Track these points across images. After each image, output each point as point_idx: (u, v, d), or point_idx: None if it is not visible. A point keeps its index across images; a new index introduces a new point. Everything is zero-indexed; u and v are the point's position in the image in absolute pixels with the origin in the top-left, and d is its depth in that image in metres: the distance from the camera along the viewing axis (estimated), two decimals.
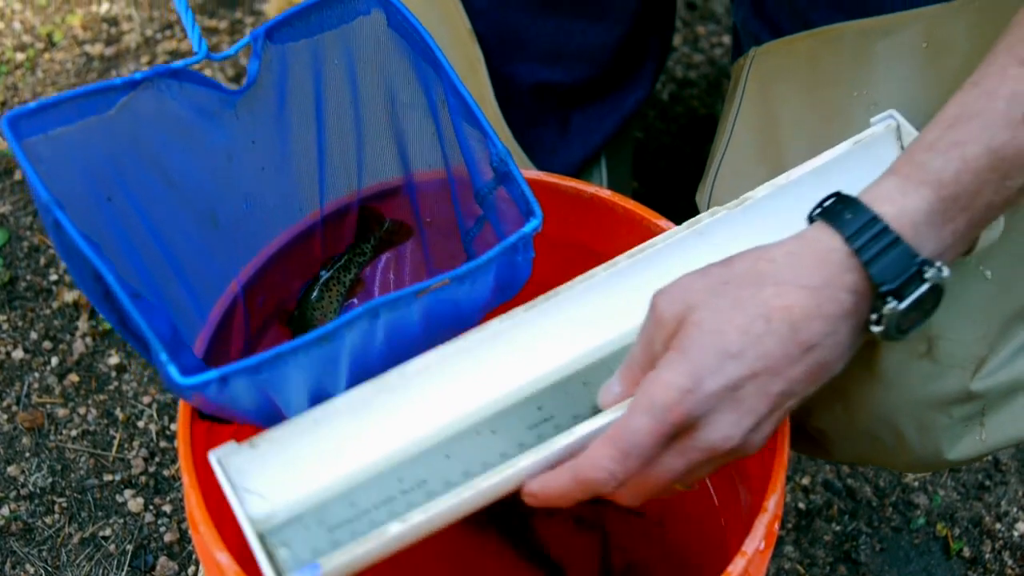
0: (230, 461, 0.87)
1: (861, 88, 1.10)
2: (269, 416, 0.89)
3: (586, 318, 0.95)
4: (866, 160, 0.99)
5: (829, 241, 0.87)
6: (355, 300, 1.10)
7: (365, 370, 0.92)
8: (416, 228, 1.10)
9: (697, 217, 0.97)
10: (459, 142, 0.99)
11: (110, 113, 0.91)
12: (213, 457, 0.86)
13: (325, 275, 1.09)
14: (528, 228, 0.92)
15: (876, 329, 0.88)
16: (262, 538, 0.85)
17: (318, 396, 0.90)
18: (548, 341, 0.94)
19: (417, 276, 1.11)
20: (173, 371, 0.83)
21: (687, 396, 0.84)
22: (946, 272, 0.87)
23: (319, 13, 0.99)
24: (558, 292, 0.95)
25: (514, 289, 0.95)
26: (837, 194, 0.90)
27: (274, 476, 0.87)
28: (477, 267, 0.91)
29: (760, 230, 0.96)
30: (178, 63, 0.94)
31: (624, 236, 1.09)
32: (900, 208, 0.87)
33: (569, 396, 0.92)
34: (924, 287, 0.86)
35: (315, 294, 1.08)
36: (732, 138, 1.19)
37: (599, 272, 0.95)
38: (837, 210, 0.88)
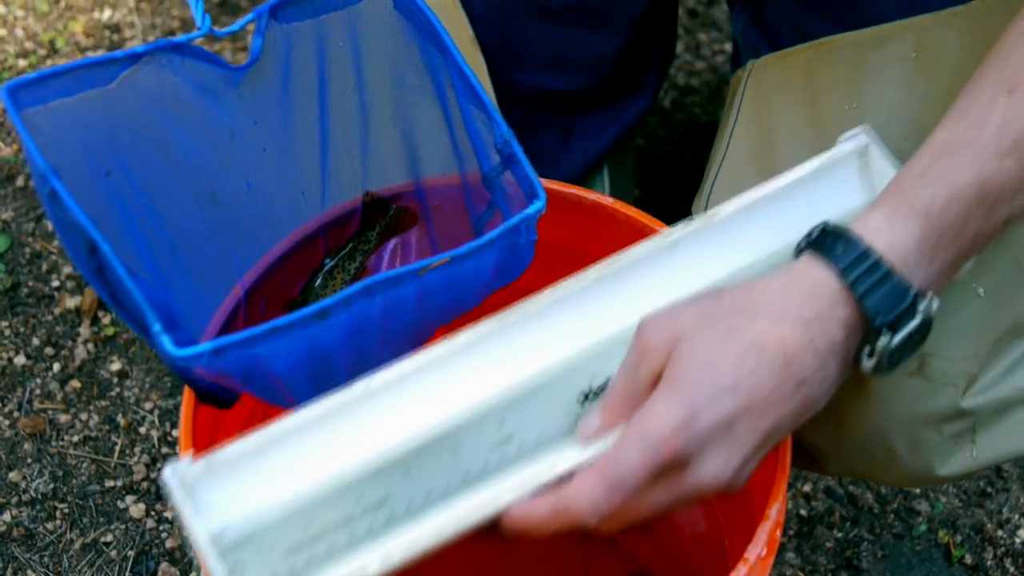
0: (185, 476, 0.83)
1: (852, 101, 1.10)
2: (266, 389, 0.89)
3: (553, 332, 0.92)
4: (831, 179, 0.97)
5: (821, 274, 0.86)
6: None
7: (364, 348, 0.91)
8: (423, 213, 1.09)
9: (670, 229, 0.95)
10: (466, 125, 0.98)
11: (111, 87, 0.90)
12: (168, 471, 0.83)
13: (329, 263, 1.09)
14: (531, 210, 0.91)
15: (868, 363, 0.87)
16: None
17: (315, 373, 0.90)
18: (515, 355, 0.91)
19: None
20: (167, 342, 0.82)
21: (682, 431, 0.82)
22: (936, 304, 0.87)
23: None
24: (527, 304, 0.92)
25: (516, 272, 0.94)
26: (824, 225, 0.89)
27: (229, 492, 0.84)
28: (478, 247, 0.90)
29: (730, 243, 0.95)
30: (181, 37, 0.93)
31: (626, 243, 1.09)
32: (891, 240, 0.86)
33: (531, 413, 0.89)
34: (917, 320, 0.86)
35: (319, 282, 1.08)
36: (728, 152, 1.19)
37: (570, 284, 0.93)
38: (828, 243, 0.87)
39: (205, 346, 0.82)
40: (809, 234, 0.90)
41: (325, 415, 0.87)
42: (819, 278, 0.86)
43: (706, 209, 1.17)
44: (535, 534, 0.85)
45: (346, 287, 1.08)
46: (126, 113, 0.92)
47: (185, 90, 0.95)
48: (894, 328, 0.85)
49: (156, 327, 0.82)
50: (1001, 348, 1.06)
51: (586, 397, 0.91)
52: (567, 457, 0.87)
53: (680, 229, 0.95)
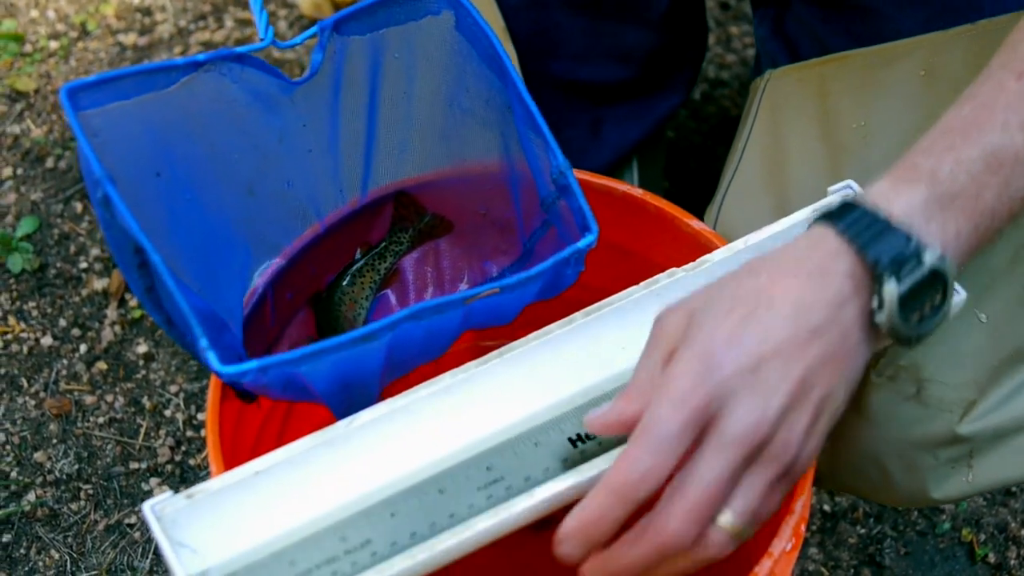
0: (166, 513, 0.83)
1: (861, 119, 1.10)
2: (300, 394, 0.89)
3: (540, 376, 0.92)
4: None
5: (821, 233, 0.84)
6: (389, 291, 1.10)
7: (401, 361, 0.92)
8: (465, 219, 1.09)
9: (655, 277, 0.95)
10: (523, 149, 0.99)
11: (168, 91, 0.91)
12: (147, 508, 0.83)
13: (360, 261, 1.09)
14: (582, 244, 0.92)
15: (880, 319, 0.83)
16: None
17: (350, 383, 0.91)
18: (501, 398, 0.91)
19: (456, 271, 1.11)
20: (213, 358, 0.83)
21: (704, 380, 0.80)
22: (950, 263, 0.83)
23: (387, 9, 0.98)
24: (513, 348, 0.92)
25: (554, 293, 0.95)
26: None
27: (210, 530, 0.84)
28: (527, 278, 0.91)
29: None
30: (243, 48, 0.94)
31: (655, 235, 1.09)
32: (893, 203, 0.84)
33: (519, 456, 0.88)
34: (924, 270, 0.82)
35: (347, 280, 1.08)
36: (741, 163, 1.19)
37: (555, 329, 0.93)
38: (831, 211, 0.86)
39: (251, 364, 0.83)
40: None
41: (309, 453, 0.87)
42: (818, 236, 0.84)
43: (716, 222, 1.17)
44: (598, 532, 0.81)
45: (375, 287, 1.08)
46: (180, 116, 0.93)
47: (241, 96, 0.96)
48: (899, 274, 0.82)
49: (203, 342, 0.83)
50: (1001, 375, 1.06)
51: (576, 441, 0.90)
52: (543, 490, 0.86)
53: (666, 277, 0.95)
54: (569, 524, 0.81)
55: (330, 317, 1.07)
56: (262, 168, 1.00)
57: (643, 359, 0.85)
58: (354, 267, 1.08)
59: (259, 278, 1.04)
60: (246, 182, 1.00)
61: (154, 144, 0.92)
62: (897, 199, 0.84)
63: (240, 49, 0.94)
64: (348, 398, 0.92)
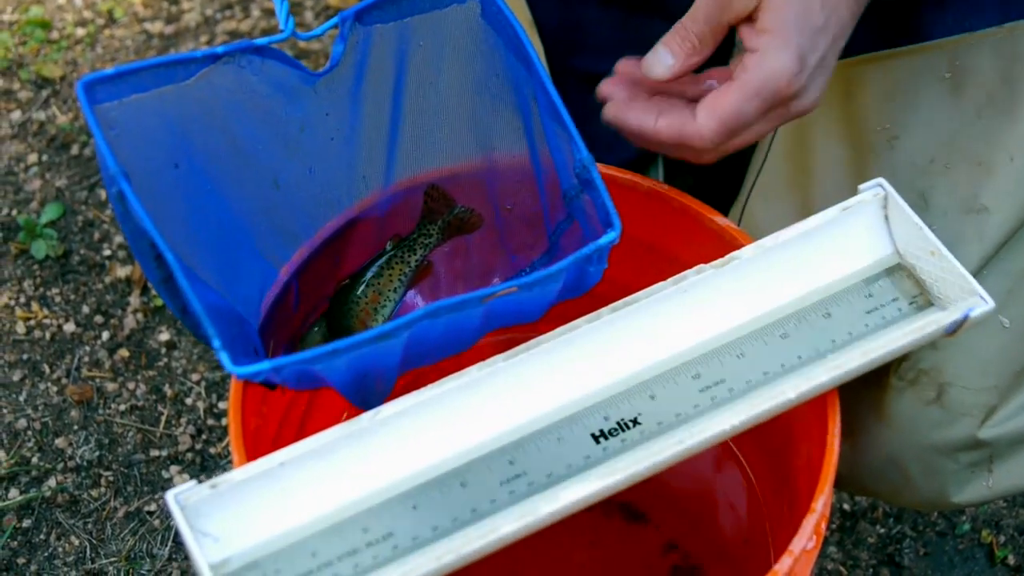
0: (188, 501, 0.83)
1: (885, 121, 1.09)
2: (317, 384, 0.89)
3: (564, 371, 0.92)
4: (851, 227, 0.98)
5: None
6: (415, 292, 1.10)
7: (419, 356, 0.92)
8: (494, 213, 1.09)
9: (682, 274, 0.95)
10: (548, 141, 0.98)
11: (187, 83, 0.91)
12: (171, 496, 0.83)
13: (389, 252, 1.08)
14: (604, 240, 0.91)
15: None
16: None
17: (367, 376, 0.91)
18: (525, 392, 0.91)
19: (487, 266, 1.10)
20: (225, 358, 0.83)
21: (796, 77, 0.92)
22: None
23: None
24: (539, 342, 0.92)
25: (580, 292, 0.95)
26: None
27: (233, 520, 0.84)
28: (547, 276, 0.90)
29: (744, 289, 0.95)
30: (262, 40, 0.93)
31: (680, 231, 1.09)
32: None
33: (542, 452, 0.89)
34: None
35: (373, 270, 1.07)
36: (767, 162, 1.19)
37: (581, 324, 0.93)
38: None
39: (264, 364, 0.82)
40: None
41: (333, 445, 0.87)
42: None
43: (740, 220, 1.17)
44: (646, 142, 0.98)
45: (405, 279, 1.07)
46: (199, 108, 0.92)
47: (262, 88, 0.95)
48: None
49: (216, 342, 0.83)
50: (1022, 380, 1.05)
51: (599, 437, 0.90)
52: (569, 493, 0.86)
53: (694, 274, 0.95)
54: (630, 121, 0.98)
55: (344, 310, 1.06)
56: (283, 158, 1.00)
57: (703, 9, 0.96)
58: (382, 259, 1.08)
59: (282, 268, 1.04)
60: (267, 172, 1.00)
61: (172, 136, 0.92)
62: None
63: (260, 41, 0.93)
64: (365, 388, 0.92)
